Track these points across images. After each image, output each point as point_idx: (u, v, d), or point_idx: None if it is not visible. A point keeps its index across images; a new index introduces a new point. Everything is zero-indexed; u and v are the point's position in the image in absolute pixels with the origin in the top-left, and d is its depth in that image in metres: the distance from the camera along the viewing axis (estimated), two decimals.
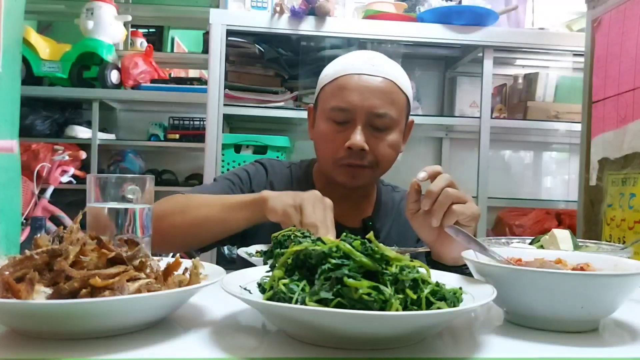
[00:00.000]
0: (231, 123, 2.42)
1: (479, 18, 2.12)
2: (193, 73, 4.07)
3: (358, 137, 1.05)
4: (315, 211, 0.91)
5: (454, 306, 0.54)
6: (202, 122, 3.19)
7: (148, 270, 0.59)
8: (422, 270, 0.57)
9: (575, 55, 2.30)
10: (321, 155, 1.14)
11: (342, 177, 1.10)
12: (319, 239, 0.59)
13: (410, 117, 1.18)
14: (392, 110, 1.08)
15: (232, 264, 1.49)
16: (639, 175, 1.39)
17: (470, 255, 0.70)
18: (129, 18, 3.31)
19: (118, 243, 0.62)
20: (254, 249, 0.95)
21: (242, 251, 0.91)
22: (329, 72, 1.13)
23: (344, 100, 1.07)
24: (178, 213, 1.01)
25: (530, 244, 0.93)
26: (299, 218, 0.90)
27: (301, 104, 2.24)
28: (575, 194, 1.74)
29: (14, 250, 1.61)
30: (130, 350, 0.51)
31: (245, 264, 0.85)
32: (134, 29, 3.91)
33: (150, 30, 4.37)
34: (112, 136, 3.33)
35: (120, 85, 3.17)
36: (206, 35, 3.48)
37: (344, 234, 0.59)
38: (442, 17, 2.13)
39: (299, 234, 0.78)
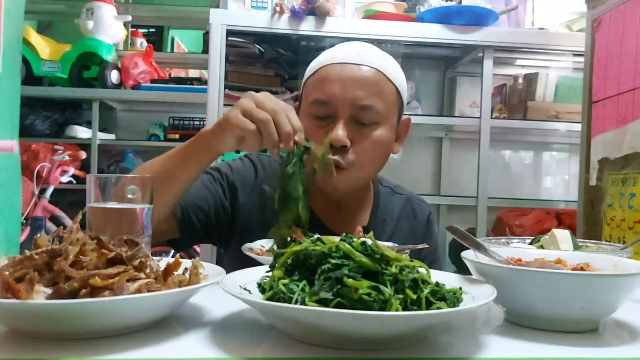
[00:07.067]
0: None
1: (479, 18, 2.12)
2: (193, 73, 4.07)
3: (339, 132, 0.93)
4: (266, 102, 0.82)
5: (454, 306, 0.54)
6: (202, 122, 3.18)
7: (148, 270, 0.59)
8: (422, 270, 0.57)
9: (575, 55, 2.30)
10: None
11: (320, 183, 0.98)
12: (318, 239, 0.59)
13: (407, 116, 1.08)
14: (378, 103, 0.96)
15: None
16: (639, 175, 1.39)
17: (470, 255, 0.70)
18: (129, 18, 3.31)
19: (118, 243, 0.62)
20: (258, 244, 0.94)
21: (246, 247, 0.91)
22: (312, 66, 1.04)
23: (325, 93, 0.96)
24: None
25: (530, 244, 0.93)
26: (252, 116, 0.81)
27: None
28: (575, 194, 1.74)
29: (14, 250, 1.61)
30: (130, 350, 0.51)
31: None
32: (134, 29, 3.91)
33: (150, 30, 4.36)
34: (112, 136, 3.33)
35: (120, 85, 3.17)
36: (206, 35, 3.48)
37: (344, 233, 0.59)
38: (442, 17, 2.12)
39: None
